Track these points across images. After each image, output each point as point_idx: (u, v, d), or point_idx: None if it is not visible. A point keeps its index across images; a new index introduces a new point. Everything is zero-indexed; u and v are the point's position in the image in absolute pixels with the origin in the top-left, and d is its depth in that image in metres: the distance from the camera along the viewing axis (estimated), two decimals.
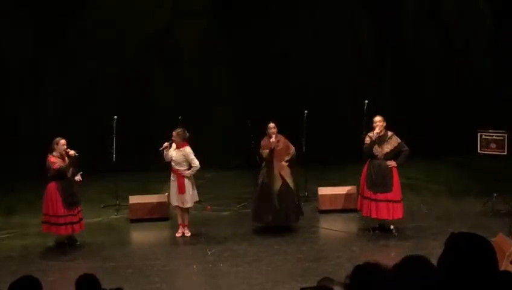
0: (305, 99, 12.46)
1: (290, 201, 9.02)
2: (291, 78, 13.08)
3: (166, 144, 8.81)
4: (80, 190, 8.94)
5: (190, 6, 12.94)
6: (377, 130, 8.57)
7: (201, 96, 12.92)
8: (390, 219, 8.76)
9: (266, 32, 12.99)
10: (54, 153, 8.34)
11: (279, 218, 9.03)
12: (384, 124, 8.62)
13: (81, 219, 8.68)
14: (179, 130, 8.88)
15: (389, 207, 8.64)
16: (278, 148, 8.93)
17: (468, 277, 2.53)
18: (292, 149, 9.10)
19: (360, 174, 8.98)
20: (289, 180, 9.01)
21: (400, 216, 8.78)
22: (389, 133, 8.69)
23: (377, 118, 8.64)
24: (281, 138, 9.03)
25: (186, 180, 8.88)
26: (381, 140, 8.64)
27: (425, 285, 2.59)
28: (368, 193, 8.74)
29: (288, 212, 9.04)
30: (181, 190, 8.89)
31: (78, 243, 8.78)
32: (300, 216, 9.28)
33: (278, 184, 8.96)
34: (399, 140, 8.68)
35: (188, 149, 8.86)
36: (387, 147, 8.65)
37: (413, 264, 2.68)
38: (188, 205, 9.04)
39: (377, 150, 8.65)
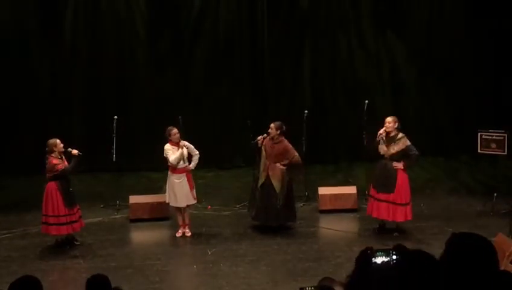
0: (305, 99, 12.49)
1: (270, 202, 8.94)
2: (291, 77, 13.08)
3: (183, 144, 8.85)
4: (79, 189, 8.91)
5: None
6: (381, 131, 8.53)
7: (202, 96, 12.92)
8: (390, 220, 8.71)
9: (266, 32, 13.00)
10: (53, 155, 8.35)
11: (260, 215, 9.09)
12: (396, 125, 8.47)
13: (80, 217, 8.70)
14: (175, 129, 8.92)
15: (390, 208, 8.55)
16: (273, 149, 8.90)
17: (468, 277, 2.54)
18: (292, 155, 8.97)
19: (360, 175, 8.98)
20: (275, 182, 8.92)
21: (400, 219, 8.63)
22: (400, 135, 8.50)
23: (388, 119, 8.52)
24: (282, 141, 8.98)
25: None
26: (390, 140, 8.53)
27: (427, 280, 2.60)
28: (373, 192, 8.75)
29: (268, 212, 9.00)
30: (192, 185, 9.01)
31: (78, 242, 8.78)
32: (290, 222, 9.22)
33: (260, 181, 9.02)
34: (408, 143, 8.48)
35: (185, 141, 8.93)
36: (394, 148, 8.49)
37: (416, 258, 2.69)
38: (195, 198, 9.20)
39: (383, 149, 8.56)
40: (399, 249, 2.96)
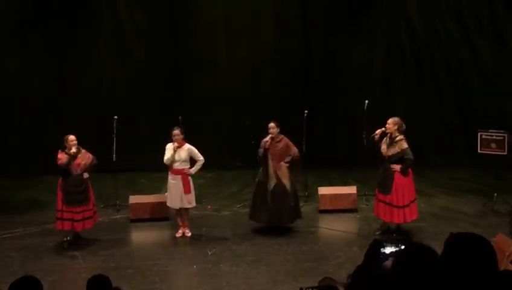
0: (305, 99, 12.48)
1: (284, 202, 8.95)
2: (291, 77, 13.08)
3: (176, 144, 8.74)
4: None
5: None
6: (377, 131, 8.52)
7: (201, 95, 12.92)
8: (387, 221, 8.70)
9: (266, 33, 13.00)
10: (66, 150, 8.38)
11: (273, 218, 9.03)
12: (396, 127, 8.38)
13: (86, 218, 8.59)
14: (178, 129, 8.87)
15: (386, 209, 8.53)
16: (277, 148, 8.91)
17: (468, 277, 2.54)
18: (293, 151, 8.98)
19: (360, 175, 8.99)
20: (285, 181, 8.94)
21: (398, 221, 8.58)
22: (398, 137, 8.42)
23: (389, 120, 8.48)
24: (282, 138, 8.99)
25: (190, 179, 8.88)
26: (390, 142, 8.47)
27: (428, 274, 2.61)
28: (376, 191, 8.82)
29: (282, 212, 8.99)
30: (187, 189, 8.84)
31: (80, 240, 8.77)
32: (298, 219, 9.23)
33: (272, 183, 8.96)
34: (404, 146, 8.39)
35: (189, 145, 8.86)
36: (391, 151, 8.45)
37: (416, 252, 2.70)
38: (193, 204, 9.03)
39: (384, 150, 8.54)
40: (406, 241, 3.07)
